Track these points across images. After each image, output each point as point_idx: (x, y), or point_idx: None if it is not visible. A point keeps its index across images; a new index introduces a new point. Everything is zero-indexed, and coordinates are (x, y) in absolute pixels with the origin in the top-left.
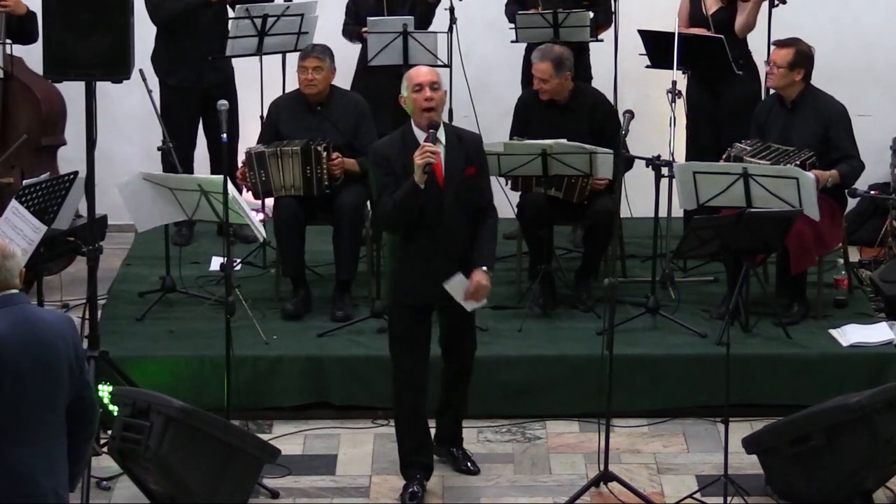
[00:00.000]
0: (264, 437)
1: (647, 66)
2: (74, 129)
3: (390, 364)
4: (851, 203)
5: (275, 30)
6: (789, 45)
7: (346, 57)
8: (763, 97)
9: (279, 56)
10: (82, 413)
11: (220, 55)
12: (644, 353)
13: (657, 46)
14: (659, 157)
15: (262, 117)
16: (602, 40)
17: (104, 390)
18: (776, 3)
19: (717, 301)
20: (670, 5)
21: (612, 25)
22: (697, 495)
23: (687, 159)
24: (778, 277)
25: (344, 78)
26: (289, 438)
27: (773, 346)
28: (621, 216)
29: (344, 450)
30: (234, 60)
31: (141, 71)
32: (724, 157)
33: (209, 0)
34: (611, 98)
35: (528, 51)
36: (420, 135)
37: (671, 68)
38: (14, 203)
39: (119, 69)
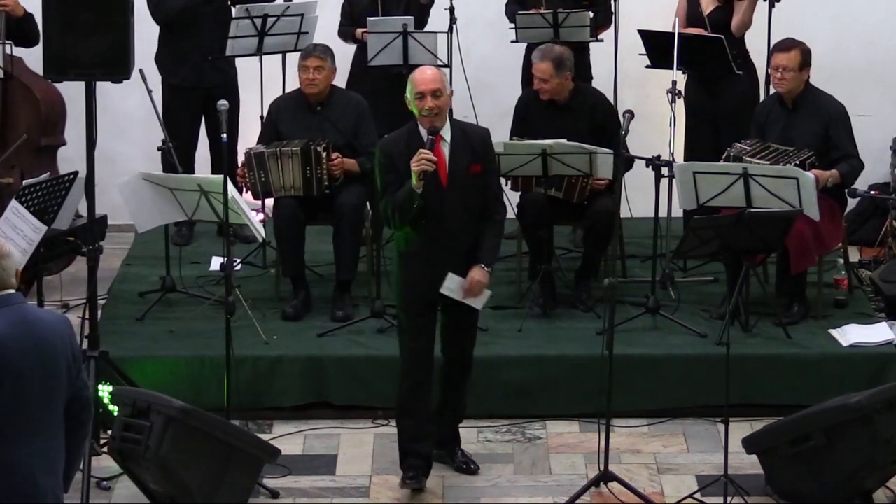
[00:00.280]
0: (264, 437)
1: (647, 66)
2: (74, 129)
3: (392, 363)
4: (851, 203)
5: (275, 30)
6: (794, 47)
7: (346, 57)
8: (762, 97)
9: (279, 56)
10: (79, 412)
11: (220, 55)
12: (644, 353)
13: (657, 46)
14: (659, 157)
15: (262, 117)
16: (602, 40)
17: (104, 390)
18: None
19: (717, 301)
20: (670, 5)
21: (612, 25)
22: (697, 495)
23: (685, 160)
24: (778, 277)
25: (339, 79)
26: (289, 438)
27: (773, 346)
28: (621, 216)
29: (344, 450)
30: (234, 60)
31: (141, 71)
32: (723, 156)
33: None
34: (611, 98)
35: (528, 51)
36: (425, 134)
37: (671, 68)
38: (14, 203)
39: (119, 69)
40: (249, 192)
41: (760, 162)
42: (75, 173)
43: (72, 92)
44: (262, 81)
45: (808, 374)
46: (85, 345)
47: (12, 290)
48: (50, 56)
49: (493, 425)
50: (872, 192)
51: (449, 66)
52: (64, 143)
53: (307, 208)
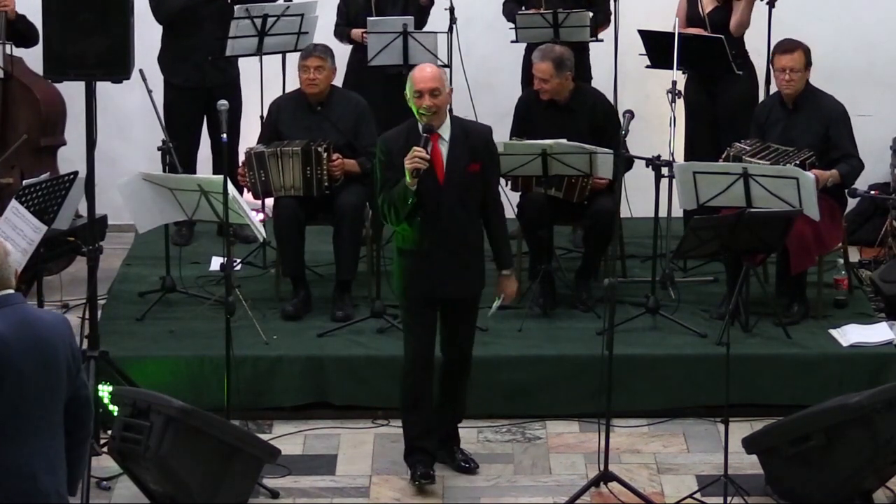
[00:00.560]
0: (264, 437)
1: (647, 66)
2: (74, 129)
3: (392, 363)
4: (851, 203)
5: (275, 30)
6: (796, 48)
7: (346, 57)
8: (761, 97)
9: (279, 56)
10: (78, 411)
11: (220, 55)
12: (644, 353)
13: (657, 46)
14: (659, 157)
15: (262, 117)
16: (602, 40)
17: (104, 390)
18: (766, 0)
19: (717, 301)
20: (670, 5)
21: (612, 25)
22: (697, 495)
23: (685, 160)
24: (778, 277)
25: (336, 80)
26: (289, 438)
27: (773, 346)
28: (621, 216)
29: (344, 450)
30: (237, 61)
31: (141, 71)
32: (723, 156)
33: None
34: (611, 98)
35: (528, 51)
36: None
37: (671, 68)
38: (14, 203)
39: (119, 69)
40: (250, 192)
41: (760, 162)
42: (75, 173)
43: (72, 92)
44: (262, 81)
45: (808, 374)
46: (85, 345)
47: (12, 290)
48: (50, 56)
49: (493, 425)
50: (872, 192)
51: (449, 66)
52: (64, 144)
53: (307, 208)
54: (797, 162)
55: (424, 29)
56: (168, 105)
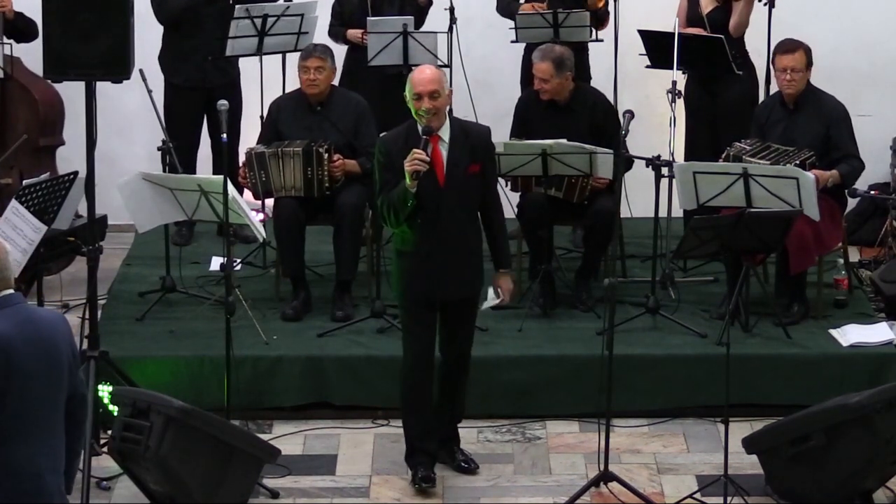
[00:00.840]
0: (264, 437)
1: (647, 66)
2: (74, 129)
3: (392, 363)
4: (851, 203)
5: (275, 30)
6: (797, 48)
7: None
8: (761, 97)
9: (279, 56)
10: (76, 409)
11: (220, 55)
12: (644, 353)
13: (657, 46)
14: (659, 157)
15: (262, 117)
16: (602, 40)
17: (104, 390)
18: (764, 2)
19: (717, 301)
20: (670, 5)
21: (612, 25)
22: (697, 495)
23: (685, 160)
24: (778, 277)
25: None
26: (289, 438)
27: (773, 346)
28: (621, 216)
29: (344, 450)
30: (237, 61)
31: (141, 71)
32: (723, 156)
33: None
34: (611, 98)
35: (528, 51)
36: None
37: (671, 68)
38: (14, 203)
39: (119, 69)
40: (250, 192)
41: (761, 162)
42: (75, 173)
43: (72, 92)
44: (262, 81)
45: (808, 374)
46: (85, 345)
47: (12, 290)
48: (50, 56)
49: (493, 425)
50: (872, 192)
51: (449, 66)
52: (62, 143)
53: (307, 208)
54: (797, 162)
55: (423, 29)
56: (168, 105)
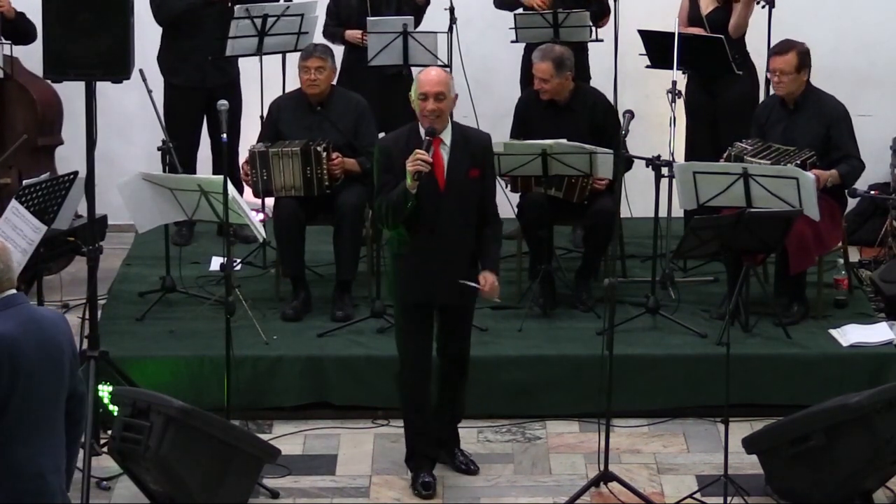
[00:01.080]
0: (264, 437)
1: (647, 66)
2: (74, 129)
3: (392, 364)
4: (851, 203)
5: (275, 30)
6: (789, 50)
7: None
8: (762, 98)
9: (279, 56)
10: (74, 408)
11: (220, 55)
12: (644, 353)
13: (657, 46)
14: (659, 157)
15: (262, 117)
16: (602, 40)
17: (104, 390)
18: (763, 4)
19: (717, 301)
20: (670, 5)
21: (613, 25)
22: (697, 495)
23: (685, 160)
24: (778, 277)
25: None
26: (289, 438)
27: (773, 346)
28: (621, 216)
29: (344, 450)
30: (237, 61)
31: (141, 71)
32: (723, 156)
33: (210, 0)
34: (611, 98)
35: (528, 51)
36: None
37: (671, 68)
38: (14, 203)
39: (119, 69)
40: (250, 191)
41: (761, 162)
42: (75, 173)
43: (71, 92)
44: (262, 81)
45: (808, 374)
46: (85, 345)
47: (14, 290)
48: (50, 56)
49: (493, 425)
50: (872, 192)
51: (449, 66)
52: (61, 143)
53: (307, 208)
54: (798, 162)
55: (424, 29)
56: (168, 105)
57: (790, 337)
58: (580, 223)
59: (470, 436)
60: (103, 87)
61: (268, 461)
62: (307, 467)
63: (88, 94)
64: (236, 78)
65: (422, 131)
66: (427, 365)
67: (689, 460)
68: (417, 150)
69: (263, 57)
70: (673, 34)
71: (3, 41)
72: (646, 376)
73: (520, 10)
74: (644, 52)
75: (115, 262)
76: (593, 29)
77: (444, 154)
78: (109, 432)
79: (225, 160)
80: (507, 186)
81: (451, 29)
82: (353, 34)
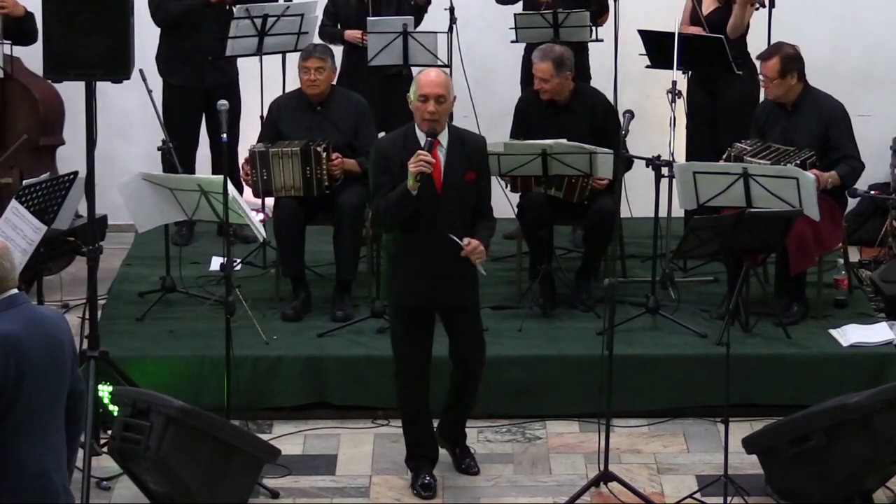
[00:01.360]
0: (264, 437)
1: (647, 66)
2: (74, 129)
3: (391, 362)
4: (851, 203)
5: (275, 30)
6: (772, 55)
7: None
8: (761, 98)
9: (279, 56)
10: (74, 406)
11: (220, 55)
12: (644, 353)
13: (657, 46)
14: (659, 157)
15: (261, 117)
16: (602, 40)
17: (104, 390)
18: (756, 6)
19: (717, 301)
20: (670, 5)
21: (613, 26)
22: (697, 495)
23: (685, 160)
24: (778, 277)
25: None
26: (289, 438)
27: (773, 346)
28: (621, 216)
29: (344, 450)
30: (236, 61)
31: (141, 71)
32: (724, 156)
33: (209, 1)
34: (611, 98)
35: (528, 51)
36: (422, 137)
37: (671, 68)
38: (14, 203)
39: (119, 69)
40: (250, 191)
41: (761, 162)
42: (75, 173)
43: (71, 92)
44: (262, 81)
45: (808, 374)
46: (85, 345)
47: (16, 290)
48: (50, 56)
49: (493, 425)
50: (872, 192)
51: (449, 66)
52: (62, 143)
53: (307, 208)
54: (797, 162)
55: (424, 29)
56: (167, 105)
57: (790, 337)
58: (580, 223)
59: (470, 436)
60: (103, 87)
61: (268, 461)
62: (307, 467)
63: (88, 94)
64: (235, 78)
65: (418, 133)
66: (424, 368)
67: (689, 460)
68: (420, 151)
69: (263, 57)
70: (673, 34)
71: (4, 41)
72: (646, 376)
73: (519, 10)
74: (644, 52)
75: (115, 262)
76: (593, 29)
77: (441, 156)
78: (109, 432)
79: (225, 160)
80: (507, 186)
81: (451, 29)
82: (353, 34)
